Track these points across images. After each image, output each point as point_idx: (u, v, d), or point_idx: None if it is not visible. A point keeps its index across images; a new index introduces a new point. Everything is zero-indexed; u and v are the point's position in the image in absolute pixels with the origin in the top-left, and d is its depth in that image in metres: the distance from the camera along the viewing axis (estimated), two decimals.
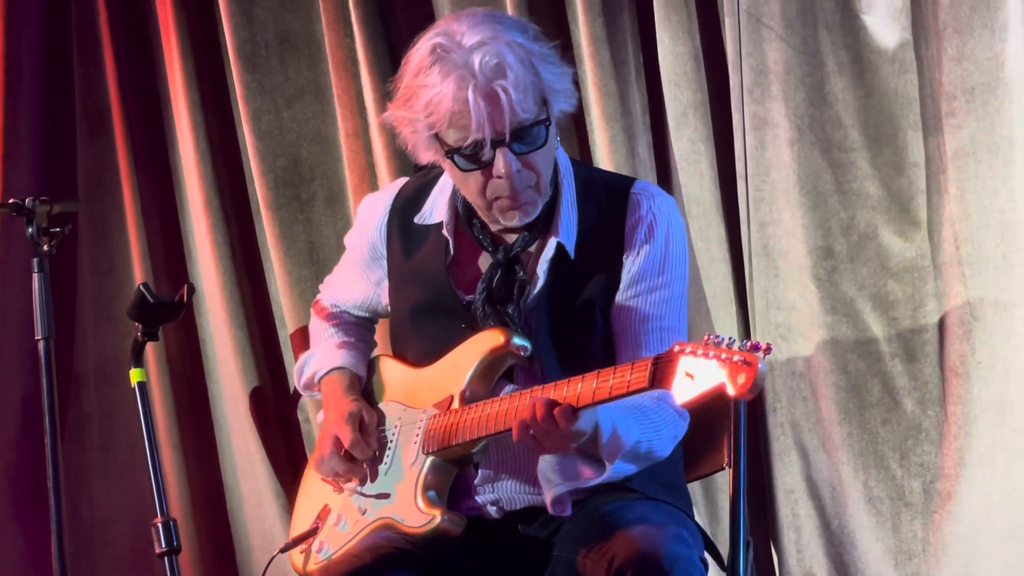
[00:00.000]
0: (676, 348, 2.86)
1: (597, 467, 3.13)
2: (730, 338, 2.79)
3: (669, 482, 3.29)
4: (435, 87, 3.07)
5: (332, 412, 3.39)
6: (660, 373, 2.87)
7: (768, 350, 2.75)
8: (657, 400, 3.15)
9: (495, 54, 3.06)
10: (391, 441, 3.32)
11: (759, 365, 2.74)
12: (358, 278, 3.52)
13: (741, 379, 2.75)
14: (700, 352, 2.81)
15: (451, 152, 3.14)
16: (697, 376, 2.80)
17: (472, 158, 3.13)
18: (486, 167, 3.13)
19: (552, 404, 2.96)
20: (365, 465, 3.33)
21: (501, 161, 3.11)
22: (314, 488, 3.44)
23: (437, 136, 3.14)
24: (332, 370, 3.48)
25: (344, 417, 3.33)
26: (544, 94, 3.12)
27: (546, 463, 3.14)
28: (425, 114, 3.11)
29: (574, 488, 3.16)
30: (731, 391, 2.75)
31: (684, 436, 3.27)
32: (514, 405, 3.09)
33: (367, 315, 3.59)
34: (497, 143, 3.09)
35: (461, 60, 3.06)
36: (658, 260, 3.23)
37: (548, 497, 3.15)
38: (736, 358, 2.76)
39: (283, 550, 3.41)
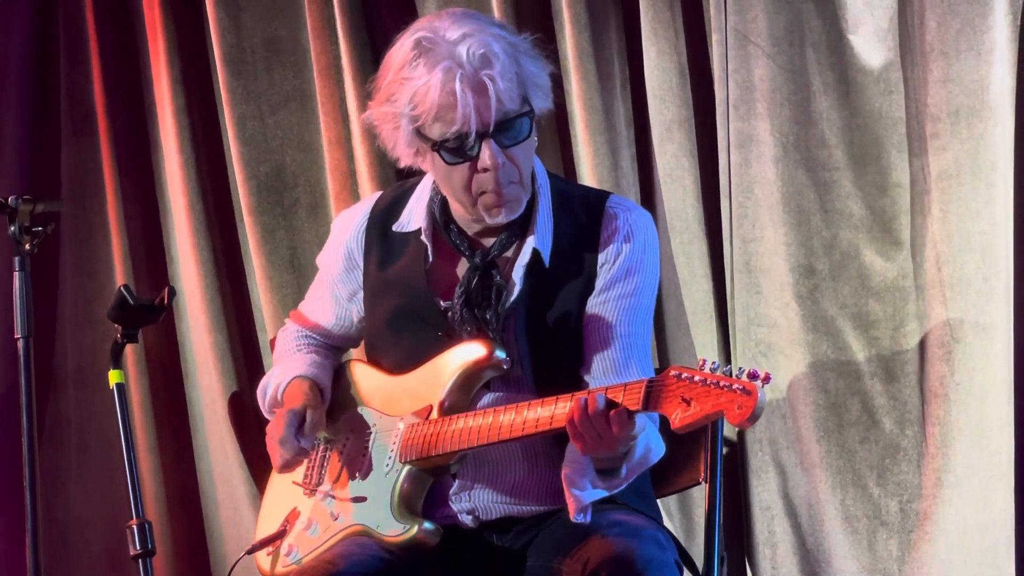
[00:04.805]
0: (673, 373, 2.85)
1: (608, 478, 3.10)
2: (727, 365, 2.79)
3: (641, 491, 3.29)
4: (421, 78, 3.07)
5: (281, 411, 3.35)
6: (655, 396, 2.88)
7: (767, 379, 2.75)
8: None
9: (481, 44, 3.06)
10: (366, 447, 3.31)
11: (759, 394, 2.74)
12: (330, 296, 3.49)
13: (741, 408, 2.75)
14: (698, 378, 2.81)
15: (436, 146, 3.14)
16: (694, 402, 2.80)
17: (458, 151, 3.12)
18: (471, 160, 3.13)
19: (610, 404, 2.93)
20: (341, 468, 3.33)
21: (487, 153, 3.11)
22: (282, 490, 3.43)
23: (419, 131, 3.14)
24: (294, 378, 3.44)
25: (282, 415, 3.30)
26: (526, 87, 3.13)
27: (572, 469, 3.10)
28: (410, 107, 3.10)
29: (601, 498, 3.13)
30: (730, 420, 2.75)
31: None
32: (497, 420, 3.09)
33: (335, 342, 3.56)
34: (482, 135, 3.10)
35: (447, 52, 3.07)
36: (632, 268, 3.23)
37: (573, 505, 3.08)
38: (736, 387, 2.76)
39: (249, 551, 3.40)
